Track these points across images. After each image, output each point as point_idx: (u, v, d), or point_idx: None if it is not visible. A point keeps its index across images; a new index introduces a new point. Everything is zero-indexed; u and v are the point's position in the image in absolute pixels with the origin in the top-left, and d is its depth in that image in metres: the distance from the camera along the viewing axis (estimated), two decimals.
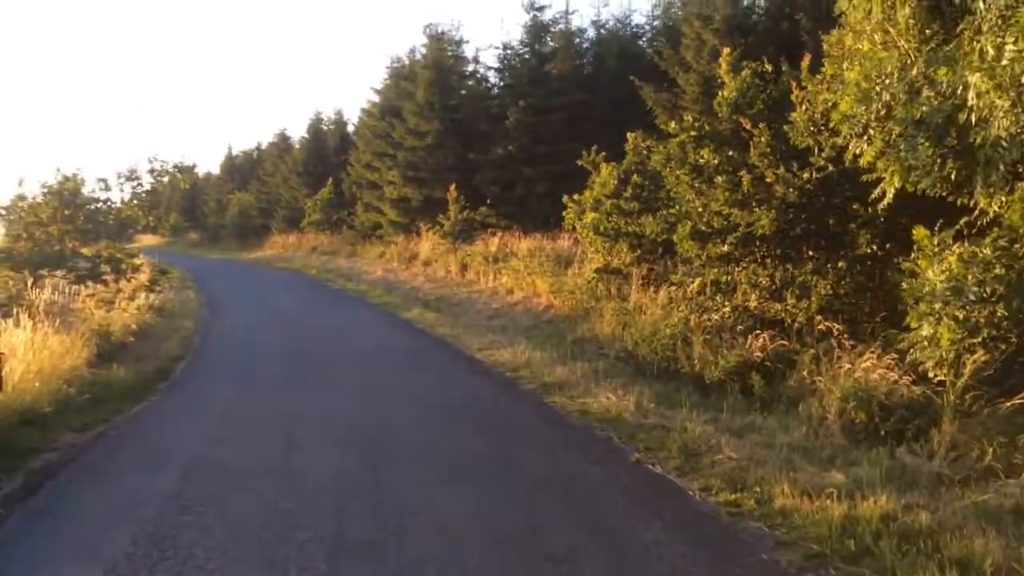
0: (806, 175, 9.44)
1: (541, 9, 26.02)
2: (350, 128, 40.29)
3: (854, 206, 9.12)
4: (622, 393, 8.48)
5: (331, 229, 35.34)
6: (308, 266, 31.58)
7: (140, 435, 8.28)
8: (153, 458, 7.13)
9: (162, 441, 7.88)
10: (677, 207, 11.37)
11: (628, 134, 14.51)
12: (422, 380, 10.79)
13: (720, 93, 11.08)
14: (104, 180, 16.61)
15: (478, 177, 25.27)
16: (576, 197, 16.01)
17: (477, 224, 23.18)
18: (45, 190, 14.90)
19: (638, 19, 28.14)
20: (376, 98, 34.01)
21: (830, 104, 9.00)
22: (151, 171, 65.02)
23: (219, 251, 45.18)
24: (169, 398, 9.94)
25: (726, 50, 11.58)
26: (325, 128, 42.05)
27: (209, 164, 65.25)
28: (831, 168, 9.22)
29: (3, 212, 14.35)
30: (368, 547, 4.98)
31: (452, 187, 23.49)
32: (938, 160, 6.07)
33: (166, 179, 57.87)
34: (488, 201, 23.66)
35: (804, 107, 9.32)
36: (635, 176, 13.58)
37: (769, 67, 10.81)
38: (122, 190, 38.21)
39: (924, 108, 5.97)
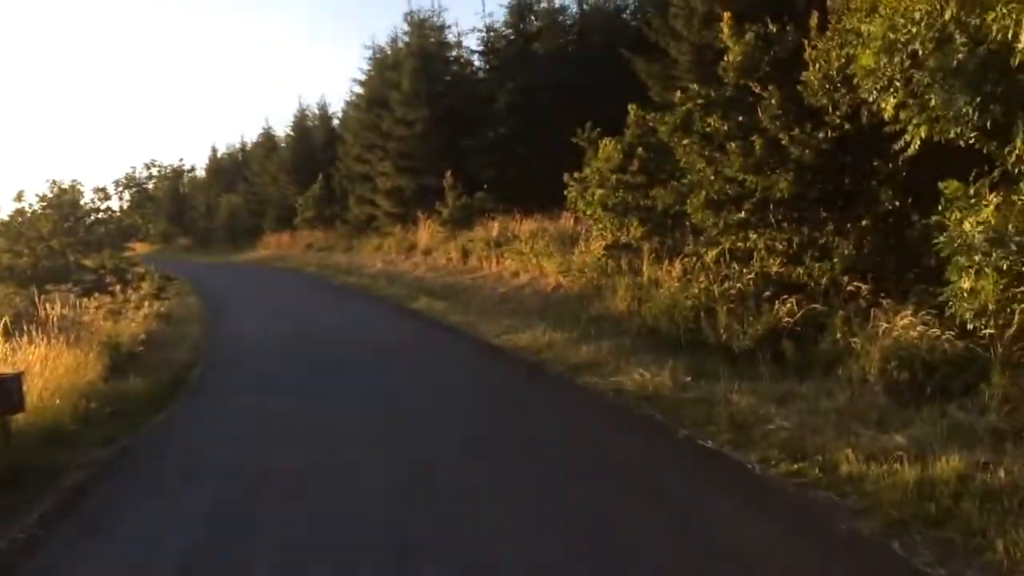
0: (821, 135, 9.29)
1: None
2: (335, 122, 40.02)
3: (874, 163, 8.98)
4: (654, 369, 8.34)
5: (325, 225, 35.05)
6: (305, 264, 31.33)
7: (167, 446, 8.11)
8: (187, 470, 6.93)
9: (192, 451, 7.69)
10: (688, 177, 11.20)
11: (629, 107, 14.29)
12: (446, 371, 10.63)
13: (725, 58, 10.90)
14: (103, 189, 16.44)
15: (472, 162, 25.04)
16: (576, 175, 15.81)
17: (475, 210, 22.98)
18: (44, 203, 14.60)
19: None
20: (360, 90, 33.70)
21: (844, 60, 8.87)
22: (148, 176, 64.08)
23: (212, 255, 44.75)
24: (189, 407, 9.76)
25: (727, 15, 11.38)
26: (310, 124, 41.70)
27: (195, 164, 64.69)
28: (847, 126, 9.08)
29: (2, 228, 13.99)
30: (432, 550, 4.80)
31: (448, 174, 23.30)
32: (975, 108, 5.92)
33: (161, 184, 57.16)
34: (484, 186, 23.41)
35: (817, 66, 9.14)
36: (640, 149, 13.40)
37: (773, 28, 10.65)
38: (121, 198, 37.86)
39: (959, 55, 5.82)
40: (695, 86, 11.49)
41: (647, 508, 5.17)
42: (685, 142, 11.31)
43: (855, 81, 7.69)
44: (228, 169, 53.85)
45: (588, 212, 15.17)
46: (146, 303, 15.50)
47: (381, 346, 13.14)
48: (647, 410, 7.34)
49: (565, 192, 16.14)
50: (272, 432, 8.12)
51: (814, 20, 9.54)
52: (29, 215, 14.43)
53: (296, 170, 39.58)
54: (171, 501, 6.06)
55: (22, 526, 5.51)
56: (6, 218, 14.51)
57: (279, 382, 10.80)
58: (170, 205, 58.39)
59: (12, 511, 5.79)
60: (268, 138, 47.51)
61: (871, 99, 7.35)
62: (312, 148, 39.89)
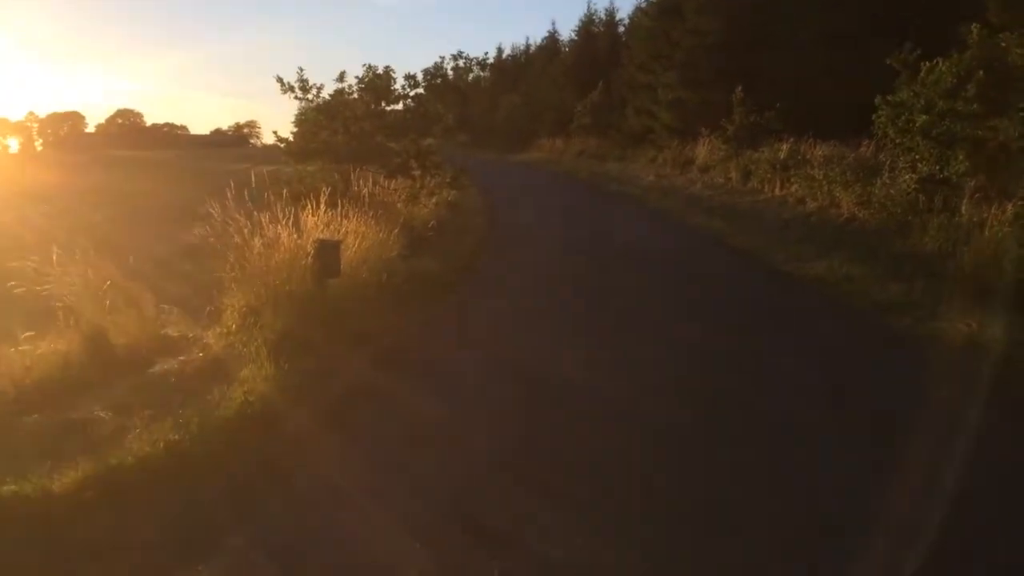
0: None
1: None
2: (621, 30, 39.52)
3: None
4: (979, 320, 7.42)
5: (599, 133, 35.09)
6: (577, 169, 31.59)
7: (458, 326, 8.56)
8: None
9: (481, 334, 8.06)
10: None
11: (972, 26, 12.59)
12: (732, 292, 10.25)
13: None
14: (413, 76, 17.22)
15: (763, 80, 23.62)
16: (889, 98, 14.35)
17: (763, 129, 21.80)
18: (361, 86, 15.70)
19: None
20: None
21: None
22: (455, 68, 66.43)
23: (487, 152, 46.46)
24: (478, 292, 10.21)
25: None
26: (596, 30, 41.49)
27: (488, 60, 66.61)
28: None
29: (323, 106, 15.24)
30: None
31: (738, 89, 22.23)
32: None
33: (469, 77, 59.50)
34: (777, 104, 22.02)
35: None
36: (980, 73, 11.82)
37: None
38: (425, 88, 40.36)
39: None
40: None
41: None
42: None
43: None
44: (511, 70, 55.26)
45: (900, 140, 13.80)
46: (439, 191, 16.42)
47: (661, 258, 12.93)
48: (979, 366, 6.49)
49: (873, 116, 14.76)
50: (554, 332, 8.27)
51: None
52: (347, 96, 15.55)
53: (577, 76, 39.81)
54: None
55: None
56: (327, 97, 15.72)
57: (562, 285, 10.89)
58: (453, 99, 61.18)
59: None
60: (552, 42, 48.16)
61: None
62: (595, 54, 39.82)
